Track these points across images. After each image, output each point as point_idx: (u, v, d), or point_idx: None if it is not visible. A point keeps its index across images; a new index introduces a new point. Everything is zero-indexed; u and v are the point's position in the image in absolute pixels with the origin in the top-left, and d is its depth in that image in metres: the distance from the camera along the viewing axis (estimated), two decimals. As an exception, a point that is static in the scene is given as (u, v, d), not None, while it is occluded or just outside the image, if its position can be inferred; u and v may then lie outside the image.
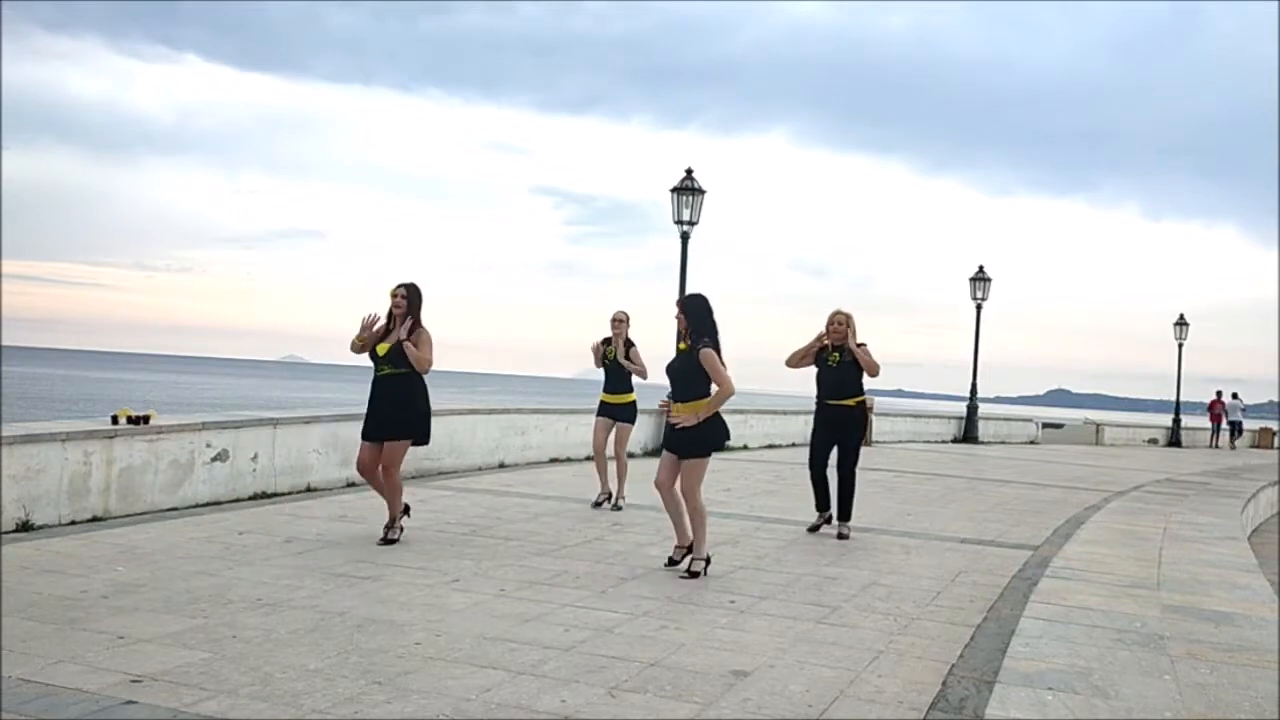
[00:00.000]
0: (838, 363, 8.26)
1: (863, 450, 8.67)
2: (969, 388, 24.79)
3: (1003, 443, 25.05)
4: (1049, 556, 7.34)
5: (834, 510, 8.54)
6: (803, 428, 19.15)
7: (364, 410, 7.33)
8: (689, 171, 15.58)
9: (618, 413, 9.52)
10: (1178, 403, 31.65)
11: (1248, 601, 5.87)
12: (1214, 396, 32.24)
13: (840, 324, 8.24)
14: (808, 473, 8.67)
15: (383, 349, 7.11)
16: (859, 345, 8.29)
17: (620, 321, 9.40)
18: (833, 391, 8.33)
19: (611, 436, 9.54)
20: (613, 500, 9.37)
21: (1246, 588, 6.30)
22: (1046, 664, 4.28)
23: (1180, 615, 5.40)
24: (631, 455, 12.14)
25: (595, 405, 9.80)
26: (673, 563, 6.78)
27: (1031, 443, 26.22)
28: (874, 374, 8.33)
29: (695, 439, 6.55)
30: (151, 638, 4.65)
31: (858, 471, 8.56)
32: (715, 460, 6.85)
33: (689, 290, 15.61)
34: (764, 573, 6.70)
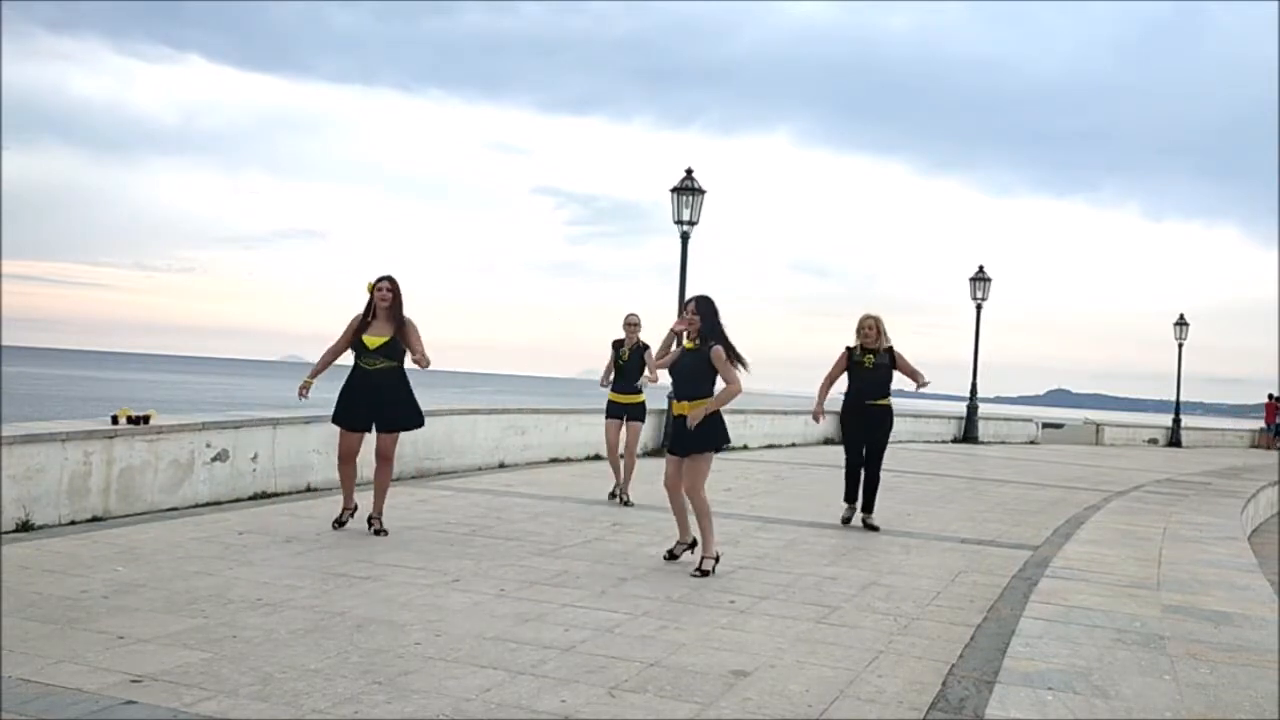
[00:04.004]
0: (873, 364, 8.67)
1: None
2: (969, 388, 24.78)
3: (1003, 443, 25.04)
4: (1049, 556, 7.34)
5: (860, 503, 8.92)
6: (802, 428, 19.13)
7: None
8: (689, 171, 15.59)
9: (628, 411, 9.74)
10: (1178, 403, 31.64)
11: (1248, 601, 5.87)
12: (1267, 399, 32.35)
13: (870, 328, 8.66)
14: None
15: (374, 341, 7.34)
16: (887, 348, 8.70)
17: (633, 325, 9.66)
18: (870, 393, 8.73)
19: (623, 435, 9.74)
20: (620, 496, 9.60)
21: (1246, 588, 6.30)
22: (1046, 664, 4.28)
23: (1180, 615, 5.41)
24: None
25: (598, 405, 9.92)
26: (672, 556, 6.92)
27: (1031, 443, 26.21)
28: (918, 381, 8.78)
29: (698, 436, 6.61)
30: (151, 638, 4.65)
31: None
32: (715, 460, 6.89)
33: (689, 290, 15.68)
34: (764, 573, 6.70)
